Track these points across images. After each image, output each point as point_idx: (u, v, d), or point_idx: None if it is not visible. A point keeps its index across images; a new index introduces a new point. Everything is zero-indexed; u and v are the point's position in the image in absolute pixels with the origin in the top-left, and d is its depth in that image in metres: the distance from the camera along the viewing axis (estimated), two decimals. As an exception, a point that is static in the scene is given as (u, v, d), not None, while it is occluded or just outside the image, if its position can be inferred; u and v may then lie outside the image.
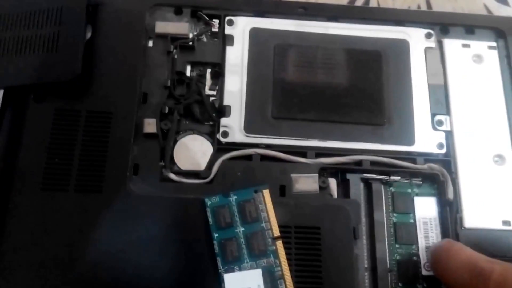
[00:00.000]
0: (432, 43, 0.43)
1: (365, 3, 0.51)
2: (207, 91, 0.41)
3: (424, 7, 0.51)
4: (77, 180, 0.37)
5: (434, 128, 0.41)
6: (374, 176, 0.39)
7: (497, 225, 0.38)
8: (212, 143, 0.40)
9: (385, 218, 0.39)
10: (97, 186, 0.37)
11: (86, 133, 0.38)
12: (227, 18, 0.43)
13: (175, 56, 0.42)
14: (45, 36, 0.39)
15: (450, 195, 0.39)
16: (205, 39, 0.43)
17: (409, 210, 0.39)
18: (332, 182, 0.39)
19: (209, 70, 0.42)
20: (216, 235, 0.36)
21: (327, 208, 0.37)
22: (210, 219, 0.36)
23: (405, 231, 0.39)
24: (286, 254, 0.35)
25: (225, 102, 0.41)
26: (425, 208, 0.39)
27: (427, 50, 0.43)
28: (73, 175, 0.37)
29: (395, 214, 0.39)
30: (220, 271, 0.35)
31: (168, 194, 0.37)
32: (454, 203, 0.39)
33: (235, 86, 0.41)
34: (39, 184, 0.36)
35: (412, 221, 0.39)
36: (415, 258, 0.38)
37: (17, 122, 0.38)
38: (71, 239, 0.35)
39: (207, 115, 0.41)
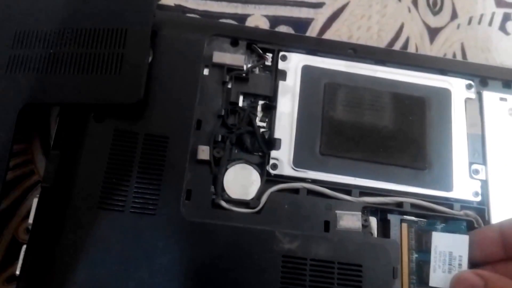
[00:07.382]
0: (472, 94, 0.45)
1: (403, 47, 0.53)
2: (258, 123, 0.43)
3: (459, 55, 0.53)
4: (133, 201, 0.38)
5: (471, 176, 0.43)
6: (413, 218, 0.41)
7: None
8: (261, 174, 0.41)
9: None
10: (152, 208, 0.38)
11: (143, 156, 0.39)
12: (281, 53, 0.44)
13: (229, 86, 0.43)
14: (107, 56, 0.39)
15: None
16: (257, 71, 0.44)
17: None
18: (373, 221, 0.41)
19: (260, 102, 0.43)
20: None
21: (369, 247, 0.39)
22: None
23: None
24: (330, 289, 0.37)
25: (276, 135, 0.42)
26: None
27: (467, 100, 0.45)
28: (130, 196, 0.38)
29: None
30: None
31: (219, 221, 0.38)
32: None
33: (285, 120, 0.42)
34: (96, 202, 0.37)
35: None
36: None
37: (75, 140, 0.39)
38: (124, 258, 0.36)
39: (257, 146, 0.42)
